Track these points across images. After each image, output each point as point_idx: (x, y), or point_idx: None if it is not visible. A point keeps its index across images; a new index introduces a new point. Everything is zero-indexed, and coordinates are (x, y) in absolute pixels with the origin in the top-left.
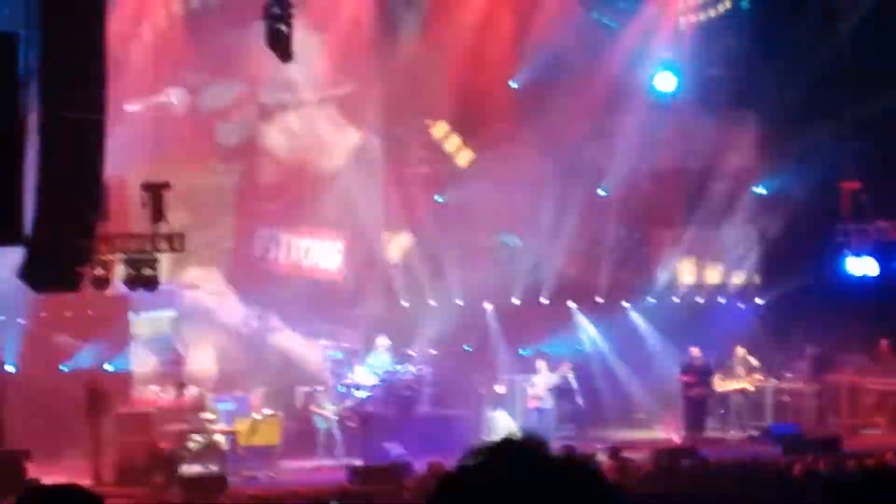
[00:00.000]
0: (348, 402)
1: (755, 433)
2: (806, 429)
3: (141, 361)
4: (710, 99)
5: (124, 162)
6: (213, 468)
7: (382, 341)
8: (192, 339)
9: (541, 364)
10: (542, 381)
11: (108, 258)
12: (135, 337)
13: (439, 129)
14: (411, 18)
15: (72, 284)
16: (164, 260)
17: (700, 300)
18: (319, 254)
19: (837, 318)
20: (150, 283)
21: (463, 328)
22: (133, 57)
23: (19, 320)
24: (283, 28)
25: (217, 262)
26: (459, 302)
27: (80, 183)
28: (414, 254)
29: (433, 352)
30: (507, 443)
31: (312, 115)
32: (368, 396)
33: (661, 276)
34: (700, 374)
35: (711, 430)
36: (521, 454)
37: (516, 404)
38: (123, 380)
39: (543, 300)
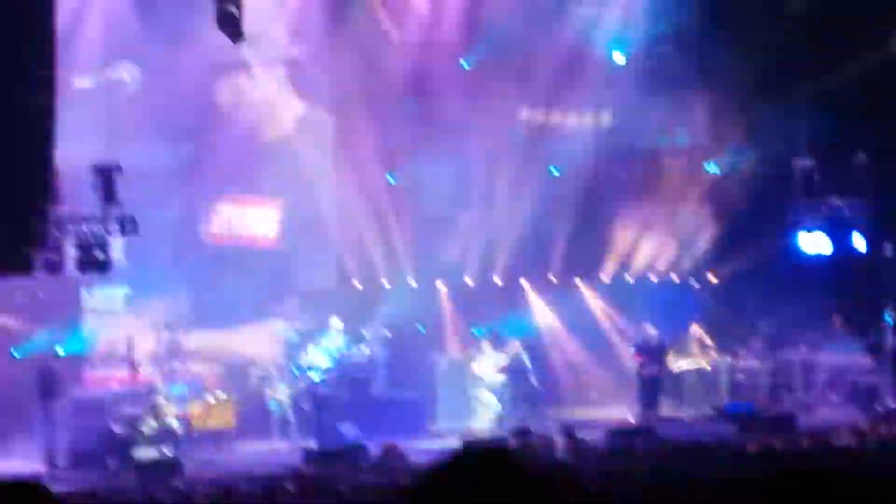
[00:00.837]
0: (302, 384)
1: (710, 412)
2: (760, 407)
3: (93, 339)
4: (661, 76)
5: (75, 141)
6: (168, 452)
7: (336, 322)
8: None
9: (485, 344)
10: (486, 362)
11: (60, 241)
12: (87, 314)
13: None
14: None
15: (23, 268)
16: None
17: (653, 278)
18: (256, 221)
19: (790, 295)
20: (103, 267)
21: (416, 309)
22: (82, 31)
23: None
24: (233, 9)
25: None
26: (412, 282)
27: (31, 166)
28: (366, 233)
29: (387, 333)
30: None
31: (262, 77)
32: (322, 378)
33: (615, 255)
34: (654, 353)
35: (665, 409)
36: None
37: (458, 384)
38: (76, 363)
39: (497, 279)
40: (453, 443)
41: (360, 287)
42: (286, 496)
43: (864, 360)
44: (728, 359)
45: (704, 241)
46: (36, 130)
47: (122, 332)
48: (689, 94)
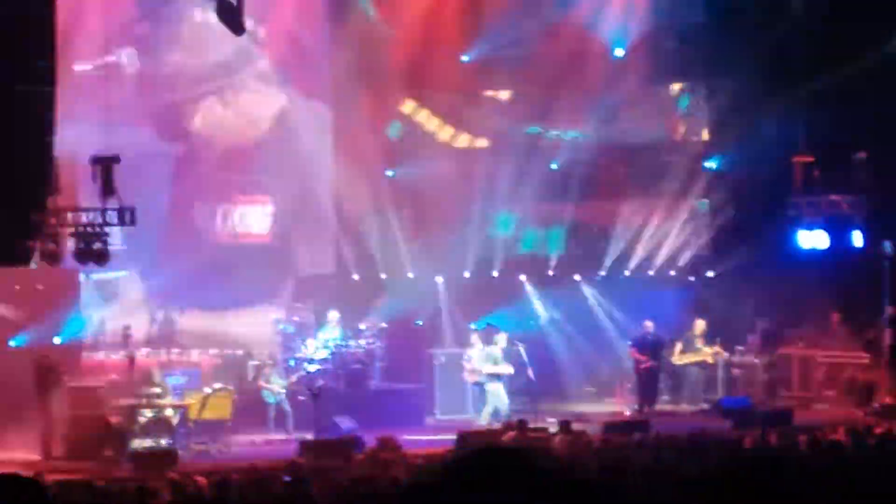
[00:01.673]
0: (298, 376)
1: (706, 406)
2: (757, 402)
3: (90, 323)
4: (662, 73)
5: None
6: (164, 442)
7: (333, 315)
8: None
9: (475, 338)
10: (477, 356)
11: (59, 232)
12: (85, 299)
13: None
14: None
15: (22, 258)
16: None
17: (651, 273)
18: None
19: (788, 291)
20: (101, 258)
21: (414, 302)
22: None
23: None
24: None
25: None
26: (410, 275)
27: (30, 157)
28: (366, 227)
29: (384, 325)
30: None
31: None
32: (319, 370)
33: (613, 250)
34: (652, 348)
35: (663, 404)
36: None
37: (456, 378)
38: (73, 352)
39: (495, 274)
40: (450, 435)
41: (357, 279)
42: (282, 487)
43: (861, 357)
44: (725, 354)
45: (703, 236)
46: (35, 121)
47: (118, 314)
48: (689, 90)
